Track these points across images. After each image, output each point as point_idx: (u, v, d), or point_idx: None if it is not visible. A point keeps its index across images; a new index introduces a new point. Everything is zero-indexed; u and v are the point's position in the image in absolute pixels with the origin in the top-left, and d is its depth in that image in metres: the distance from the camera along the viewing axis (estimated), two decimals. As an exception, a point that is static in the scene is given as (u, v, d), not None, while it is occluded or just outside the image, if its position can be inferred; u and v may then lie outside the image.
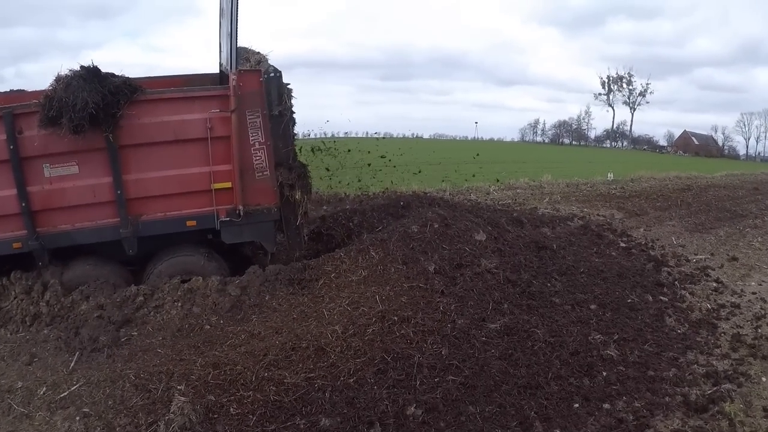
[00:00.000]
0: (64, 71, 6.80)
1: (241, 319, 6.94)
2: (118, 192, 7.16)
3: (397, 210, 10.02)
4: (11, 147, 6.89)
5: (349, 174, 14.22)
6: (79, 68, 6.82)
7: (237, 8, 7.40)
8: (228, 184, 7.41)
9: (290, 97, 7.53)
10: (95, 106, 6.56)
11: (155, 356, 6.28)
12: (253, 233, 7.81)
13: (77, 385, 5.85)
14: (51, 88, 6.74)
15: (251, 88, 7.20)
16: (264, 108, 7.26)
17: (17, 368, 6.44)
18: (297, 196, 7.62)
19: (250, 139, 7.29)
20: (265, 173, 7.46)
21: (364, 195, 14.91)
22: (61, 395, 5.75)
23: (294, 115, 7.77)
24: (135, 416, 5.35)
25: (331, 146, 10.54)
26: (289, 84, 7.57)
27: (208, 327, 6.89)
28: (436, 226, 8.11)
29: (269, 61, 7.71)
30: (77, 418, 5.40)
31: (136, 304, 7.21)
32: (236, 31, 7.47)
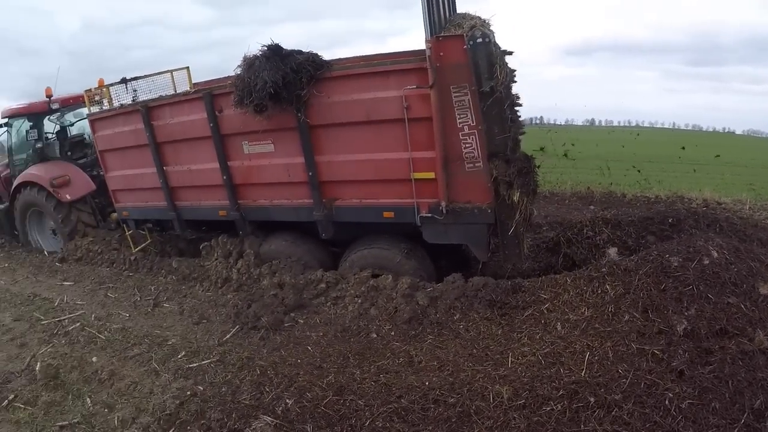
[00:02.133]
0: (252, 52, 6.52)
1: (413, 336, 5.82)
2: (310, 173, 6.73)
3: (663, 228, 7.51)
4: (211, 125, 7.22)
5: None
6: (264, 48, 6.40)
7: None
8: (431, 175, 6.17)
9: (508, 70, 5.88)
10: (274, 84, 6.14)
11: (301, 353, 5.83)
12: (460, 235, 6.46)
13: (209, 360, 5.96)
14: (239, 68, 6.56)
15: (454, 58, 5.71)
16: (472, 83, 5.74)
17: (185, 324, 6.94)
18: (515, 197, 5.99)
19: (458, 121, 5.85)
20: (477, 164, 5.98)
21: (643, 197, 12.63)
22: (192, 365, 5.91)
23: (514, 93, 6.22)
24: (229, 415, 5.03)
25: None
26: (510, 53, 5.99)
27: (375, 336, 5.97)
28: (707, 262, 5.53)
29: (492, 27, 6.22)
30: (187, 393, 5.39)
31: (317, 291, 6.76)
32: None
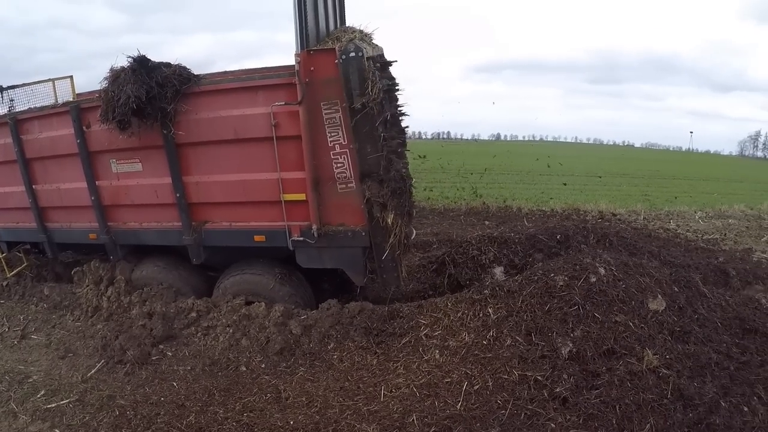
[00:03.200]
0: (119, 64, 6.07)
1: (284, 369, 5.54)
2: (178, 194, 6.36)
3: (551, 245, 7.35)
4: (78, 141, 6.80)
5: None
6: (130, 60, 5.97)
7: None
8: (301, 196, 5.88)
9: (381, 85, 5.53)
10: (137, 99, 5.74)
11: (165, 390, 5.53)
12: (335, 259, 6.18)
13: (69, 400, 5.55)
14: (105, 80, 6.14)
15: (325, 73, 5.43)
16: (344, 99, 5.47)
17: (49, 359, 6.53)
18: (389, 219, 5.73)
19: (329, 140, 5.59)
20: (349, 185, 5.73)
21: (539, 211, 12.62)
22: (50, 406, 5.51)
23: (396, 110, 6.02)
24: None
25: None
26: (388, 68, 5.74)
27: (244, 369, 5.68)
28: (593, 279, 5.45)
29: (375, 41, 5.96)
30: None
31: (188, 320, 6.38)
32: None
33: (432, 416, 4.58)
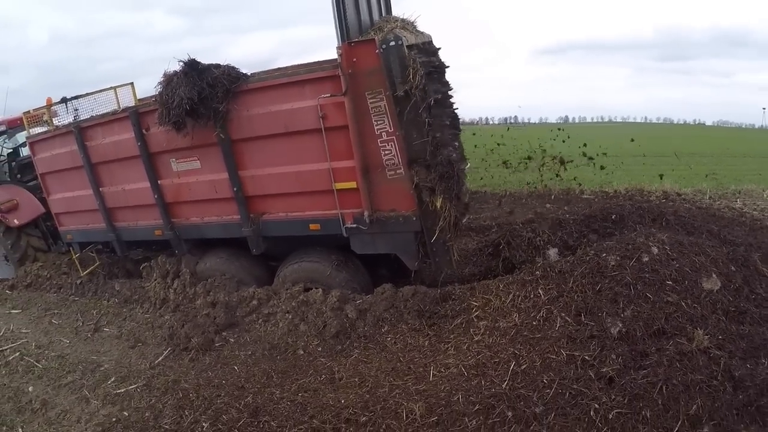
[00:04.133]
0: (172, 68, 6.38)
1: (339, 351, 5.71)
2: (235, 189, 6.65)
3: (606, 225, 7.22)
4: (139, 143, 7.14)
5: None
6: (181, 64, 6.26)
7: None
8: (352, 184, 6.02)
9: (423, 72, 5.57)
10: (190, 101, 6.04)
11: (227, 373, 5.78)
12: (388, 244, 6.30)
13: (137, 385, 5.86)
14: (159, 85, 6.46)
15: (367, 63, 5.55)
16: (387, 88, 5.57)
17: (120, 349, 6.86)
18: (438, 203, 5.82)
19: (375, 128, 5.71)
20: (398, 171, 5.84)
21: (601, 192, 12.36)
22: (119, 391, 5.82)
23: (444, 97, 5.95)
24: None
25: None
26: (436, 54, 5.80)
27: (302, 352, 5.86)
28: (646, 259, 5.32)
29: (419, 28, 6.04)
30: (112, 419, 5.33)
31: (249, 308, 6.64)
32: None
33: (477, 395, 4.63)
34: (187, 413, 5.13)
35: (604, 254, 5.47)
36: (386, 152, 5.74)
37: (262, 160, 6.39)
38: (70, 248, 9.45)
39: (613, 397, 4.30)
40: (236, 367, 5.79)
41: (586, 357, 4.66)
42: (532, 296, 5.42)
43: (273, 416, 4.90)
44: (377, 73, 5.51)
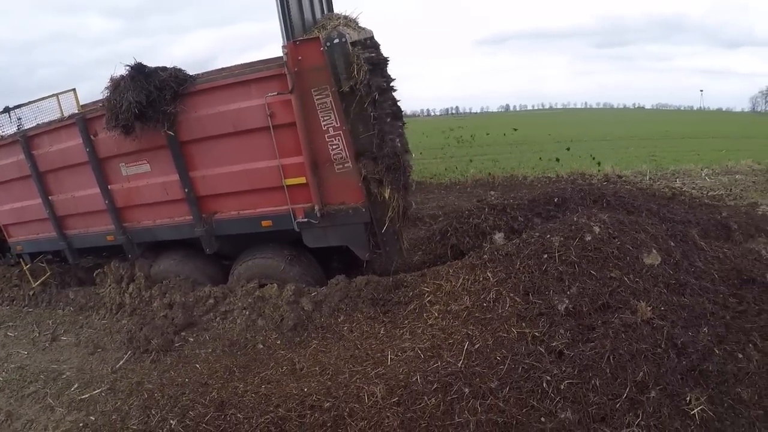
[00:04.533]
0: (118, 73, 6.41)
1: (298, 343, 5.86)
2: (186, 190, 6.69)
3: (549, 209, 7.53)
4: (88, 149, 7.15)
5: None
6: (128, 68, 6.30)
7: None
8: (302, 180, 6.18)
9: (367, 67, 5.74)
10: (138, 104, 6.10)
11: (189, 372, 5.89)
12: (339, 237, 6.47)
13: (101, 390, 5.95)
14: (106, 90, 6.48)
15: (312, 61, 5.72)
16: (332, 84, 5.75)
17: (80, 356, 6.90)
18: (386, 194, 6.03)
19: (322, 124, 5.88)
20: (346, 165, 6.03)
21: (545, 178, 12.71)
22: (84, 396, 5.90)
23: (386, 90, 6.10)
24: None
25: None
26: (382, 56, 5.98)
27: (261, 346, 5.99)
28: (589, 238, 5.62)
29: (360, 25, 6.20)
30: (80, 425, 5.42)
31: (206, 307, 6.73)
32: None
33: (434, 374, 4.82)
34: (153, 413, 5.24)
35: (549, 235, 5.75)
36: (334, 147, 5.91)
37: (212, 160, 6.48)
38: (20, 260, 9.35)
39: (564, 368, 4.52)
40: (198, 365, 5.89)
41: (536, 333, 4.90)
42: (481, 279, 5.64)
43: (239, 408, 5.04)
44: (322, 70, 5.67)
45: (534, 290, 5.30)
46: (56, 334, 7.53)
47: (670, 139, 25.93)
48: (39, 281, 9.03)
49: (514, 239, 6.24)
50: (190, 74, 6.37)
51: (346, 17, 6.98)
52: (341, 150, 5.91)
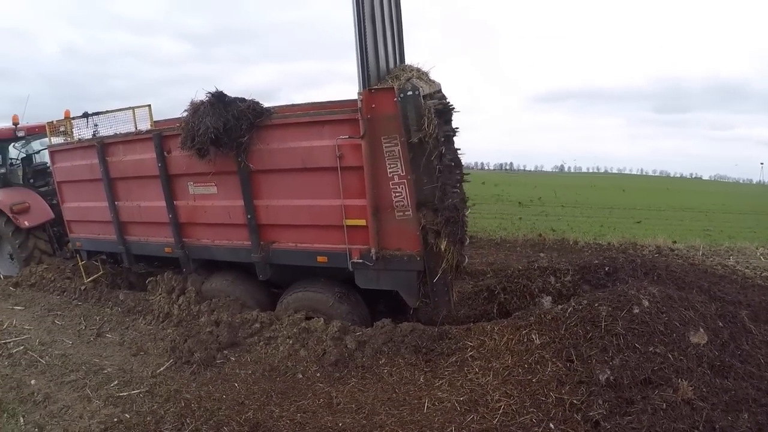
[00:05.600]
0: (198, 97, 6.73)
1: (337, 379, 5.94)
2: (249, 216, 6.92)
3: (599, 277, 7.50)
4: (160, 165, 7.46)
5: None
6: (208, 95, 6.61)
7: (362, 9, 6.09)
8: (362, 222, 6.32)
9: (444, 120, 6.06)
10: (216, 130, 6.37)
11: (227, 389, 6.01)
12: (391, 281, 6.54)
13: (139, 391, 6.13)
14: (186, 113, 6.77)
15: (385, 110, 5.88)
16: (402, 134, 5.89)
17: (122, 355, 7.16)
18: (442, 246, 6.11)
19: (388, 171, 6.03)
20: (406, 213, 6.14)
21: (595, 244, 12.59)
22: (122, 394, 6.10)
23: (450, 144, 6.38)
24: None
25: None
26: (449, 105, 6.12)
27: (300, 376, 6.09)
28: (637, 311, 5.64)
29: (432, 78, 6.35)
30: (114, 419, 5.56)
31: (251, 330, 6.88)
32: (365, 38, 6.14)
33: (469, 428, 4.89)
34: (188, 421, 5.39)
35: (597, 304, 5.79)
36: (397, 194, 6.05)
37: (277, 191, 6.70)
38: (76, 255, 9.70)
39: (594, 442, 4.51)
40: (236, 384, 6.02)
41: (575, 401, 4.95)
42: (525, 340, 5.71)
43: (276, 433, 5.14)
44: (394, 120, 5.83)
45: (577, 357, 5.34)
46: (102, 331, 7.82)
47: (727, 213, 25.44)
48: (91, 278, 9.40)
49: (562, 304, 6.26)
50: (267, 108, 6.56)
51: (418, 69, 7.16)
52: (404, 198, 6.04)
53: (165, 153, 7.29)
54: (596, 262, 7.94)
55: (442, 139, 6.15)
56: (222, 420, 5.32)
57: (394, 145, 5.89)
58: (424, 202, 6.04)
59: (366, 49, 6.02)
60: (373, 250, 6.25)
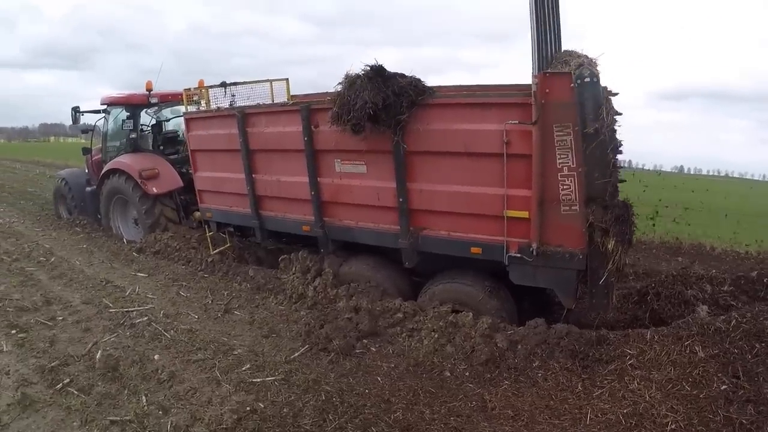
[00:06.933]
0: (354, 70, 6.37)
1: (489, 380, 5.56)
2: (400, 199, 6.56)
3: (757, 288, 6.84)
4: (306, 139, 7.19)
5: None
6: (366, 68, 6.24)
7: None
8: (524, 214, 5.87)
9: (612, 112, 5.54)
10: (374, 106, 6.01)
11: (370, 383, 5.66)
12: (548, 280, 6.09)
13: (274, 377, 5.79)
14: (340, 85, 6.45)
15: (560, 96, 5.39)
16: (576, 123, 5.40)
17: (253, 335, 6.88)
18: (610, 246, 5.62)
19: (557, 162, 5.55)
20: (573, 208, 5.64)
21: (732, 252, 11.29)
22: (255, 380, 5.74)
23: (617, 137, 5.80)
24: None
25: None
26: (615, 94, 5.66)
27: (448, 374, 5.72)
28: None
29: (599, 67, 5.90)
30: (247, 408, 5.20)
31: (393, 320, 6.58)
32: (542, 21, 5.74)
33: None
34: (330, 417, 5.02)
35: (762, 318, 5.29)
36: (565, 187, 5.58)
37: (433, 175, 6.33)
38: (204, 225, 9.72)
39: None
40: (379, 378, 5.70)
41: (744, 421, 4.53)
42: (687, 352, 5.22)
43: (430, 436, 4.79)
44: (570, 107, 5.35)
45: (744, 374, 4.87)
46: (230, 307, 7.64)
47: None
48: (217, 250, 9.35)
49: (722, 315, 5.72)
50: (429, 86, 6.22)
51: (587, 56, 6.68)
52: (571, 192, 5.57)
53: (312, 127, 7.04)
54: (754, 273, 7.25)
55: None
56: (369, 419, 4.99)
57: (566, 134, 5.41)
58: (594, 197, 5.56)
59: (542, 27, 5.63)
60: (533, 245, 5.81)
